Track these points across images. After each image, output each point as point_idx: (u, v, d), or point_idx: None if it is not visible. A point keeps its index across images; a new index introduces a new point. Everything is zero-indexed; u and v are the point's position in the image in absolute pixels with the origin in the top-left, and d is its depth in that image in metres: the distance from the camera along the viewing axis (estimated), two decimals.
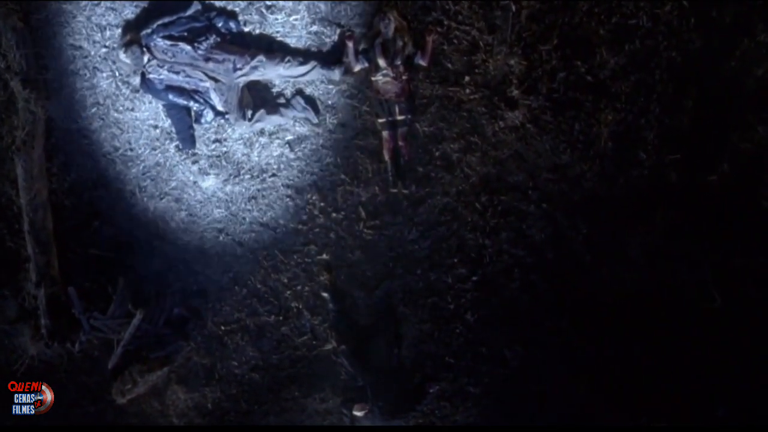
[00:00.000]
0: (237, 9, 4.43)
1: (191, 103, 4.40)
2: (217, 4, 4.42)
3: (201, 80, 4.31)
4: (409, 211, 4.62)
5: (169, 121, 4.57)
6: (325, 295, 4.71)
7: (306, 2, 4.39)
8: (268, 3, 4.43)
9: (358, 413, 4.57)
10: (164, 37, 4.26)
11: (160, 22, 4.28)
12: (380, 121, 4.41)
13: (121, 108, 4.61)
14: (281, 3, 4.41)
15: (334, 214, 4.66)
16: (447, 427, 4.67)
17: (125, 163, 4.69)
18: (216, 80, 4.31)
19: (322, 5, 4.40)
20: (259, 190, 4.68)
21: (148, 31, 4.28)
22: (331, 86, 4.49)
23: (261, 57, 4.28)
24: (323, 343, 4.78)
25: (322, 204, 4.66)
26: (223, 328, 4.83)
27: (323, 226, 4.68)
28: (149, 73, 4.30)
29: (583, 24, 4.33)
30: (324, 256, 4.69)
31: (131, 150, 4.67)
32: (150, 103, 4.57)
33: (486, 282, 4.65)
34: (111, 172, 4.70)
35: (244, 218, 4.71)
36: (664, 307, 4.58)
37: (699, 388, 4.59)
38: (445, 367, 4.82)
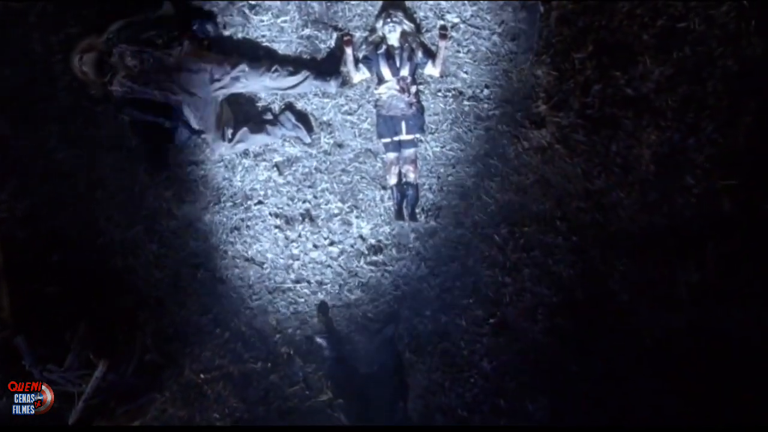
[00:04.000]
0: (215, 9, 3.98)
1: (162, 120, 3.86)
2: (192, 3, 3.96)
3: (172, 93, 3.77)
4: (417, 244, 4.20)
5: (137, 139, 4.07)
6: (319, 340, 4.28)
7: (297, 1, 3.95)
8: (252, 2, 3.98)
9: None
10: (129, 42, 3.72)
11: (124, 23, 3.74)
12: (384, 140, 3.98)
13: (81, 124, 4.11)
14: (267, 2, 3.97)
15: (330, 248, 4.24)
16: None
17: (88, 188, 4.19)
18: (190, 93, 3.79)
19: (315, 5, 3.96)
20: (242, 220, 4.23)
21: (110, 35, 3.74)
22: (326, 100, 4.08)
23: (243, 66, 3.80)
24: (317, 393, 4.37)
25: (315, 236, 4.23)
26: (202, 376, 4.40)
27: (317, 261, 4.26)
28: (111, 84, 3.76)
29: (623, 28, 3.91)
30: (319, 295, 4.29)
31: (94, 173, 4.18)
32: (114, 118, 4.07)
33: (505, 325, 4.24)
34: (71, 198, 4.20)
35: (225, 251, 4.27)
36: (716, 355, 4.09)
37: None
38: (458, 421, 4.39)
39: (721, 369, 4.07)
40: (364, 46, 3.93)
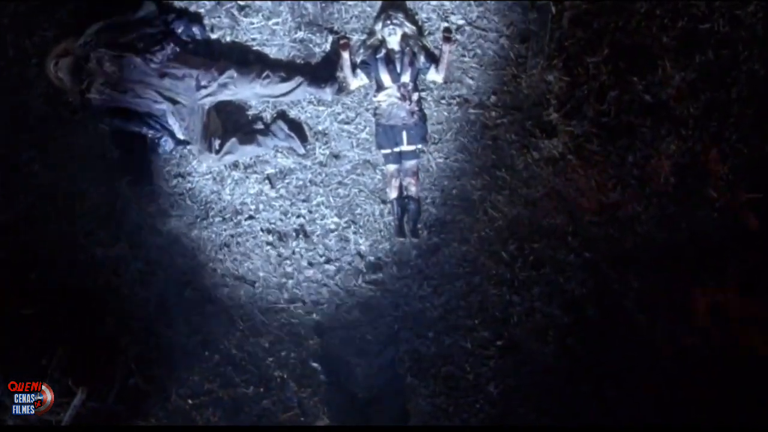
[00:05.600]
0: (202, 10, 3.90)
1: (145, 130, 3.75)
2: (177, 3, 3.85)
3: (155, 101, 3.64)
4: (420, 261, 4.09)
5: (119, 150, 3.98)
6: (314, 364, 4.17)
7: (289, 1, 3.86)
8: (242, 3, 3.88)
9: None
10: (107, 46, 3.58)
11: (102, 26, 3.61)
12: (383, 151, 3.88)
13: (58, 134, 4.01)
14: (258, 3, 3.88)
15: (326, 266, 4.12)
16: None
17: (66, 203, 4.08)
18: (174, 101, 3.65)
19: (309, 6, 3.88)
20: (232, 236, 4.11)
21: (87, 38, 3.59)
22: (321, 108, 3.98)
23: (232, 72, 3.68)
24: (313, 419, 4.21)
25: (310, 253, 4.11)
26: (190, 401, 4.26)
27: (313, 279, 4.14)
28: (89, 91, 3.62)
29: (642, 29, 3.83)
30: (314, 316, 4.15)
31: (73, 186, 4.06)
32: (94, 128, 3.97)
33: (513, 347, 4.12)
34: (49, 212, 4.08)
35: (214, 269, 4.14)
36: (737, 379, 3.96)
37: None
38: None
39: (745, 395, 3.93)
40: (361, 50, 3.83)
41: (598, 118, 3.87)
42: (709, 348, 3.95)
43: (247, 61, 3.84)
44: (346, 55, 3.69)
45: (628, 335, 4.02)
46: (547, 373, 4.10)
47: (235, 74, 3.66)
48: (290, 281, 4.12)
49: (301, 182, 4.04)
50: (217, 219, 4.09)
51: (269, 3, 3.86)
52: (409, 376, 4.13)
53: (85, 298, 4.15)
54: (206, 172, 4.04)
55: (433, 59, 3.75)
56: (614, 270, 3.99)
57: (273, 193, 4.06)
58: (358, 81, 3.79)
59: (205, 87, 3.64)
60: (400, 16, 3.72)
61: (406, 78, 3.71)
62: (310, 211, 4.07)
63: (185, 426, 4.28)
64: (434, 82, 3.86)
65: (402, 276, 4.09)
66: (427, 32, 3.87)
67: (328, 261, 4.10)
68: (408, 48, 3.72)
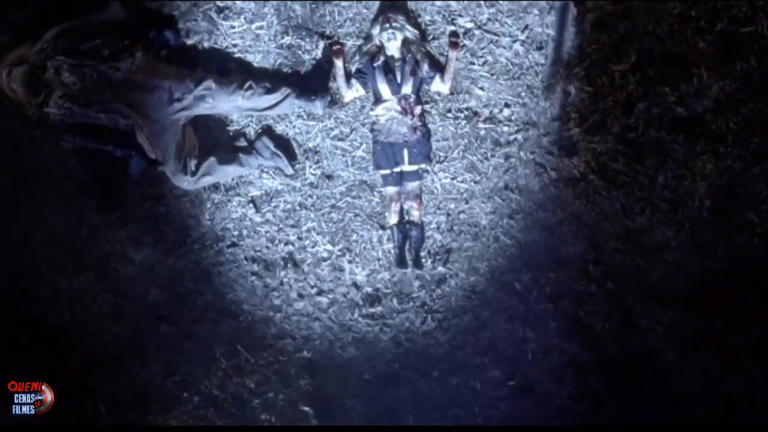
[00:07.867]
0: (176, 13, 3.75)
1: (111, 148, 3.51)
2: (147, 4, 3.70)
3: (122, 116, 3.39)
4: (423, 293, 3.97)
5: (84, 170, 3.81)
6: (305, 408, 3.99)
7: (275, 2, 3.71)
8: (221, 4, 3.72)
9: None
10: (67, 54, 3.35)
11: (60, 30, 3.38)
12: (382, 172, 3.75)
13: (16, 152, 3.84)
14: (240, 4, 3.72)
15: (317, 298, 3.99)
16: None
17: (28, 227, 3.93)
18: (144, 116, 3.40)
19: (297, 7, 3.73)
20: (213, 265, 3.97)
21: (44, 44, 3.36)
22: (311, 122, 3.84)
23: (210, 82, 3.48)
24: None
25: (300, 284, 3.98)
26: None
27: (303, 313, 4.01)
28: (48, 105, 3.40)
29: (674, 33, 3.66)
30: (305, 353, 4.02)
31: (34, 208, 3.92)
32: (57, 145, 3.80)
33: (527, 388, 3.99)
34: (9, 237, 3.92)
35: (193, 302, 3.98)
36: None
37: None
38: None
39: None
40: (357, 58, 3.71)
41: (625, 133, 3.75)
42: (749, 393, 3.76)
43: (228, 70, 3.70)
44: (339, 62, 3.57)
45: (656, 376, 3.87)
46: (565, 417, 3.95)
47: (214, 85, 3.46)
48: (278, 315, 3.99)
49: (289, 206, 3.91)
50: (196, 246, 3.95)
51: (252, 4, 3.70)
52: (412, 420, 3.97)
53: (47, 334, 4.00)
54: (183, 195, 3.87)
55: (438, 67, 3.62)
56: (641, 303, 3.84)
57: (258, 218, 3.92)
58: (353, 92, 3.66)
59: (179, 100, 3.42)
60: (401, 18, 3.57)
61: (407, 89, 3.58)
62: (299, 238, 3.93)
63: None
64: (439, 94, 3.72)
65: (403, 309, 3.96)
66: (431, 37, 3.73)
67: (320, 293, 3.98)
68: (409, 55, 3.59)
